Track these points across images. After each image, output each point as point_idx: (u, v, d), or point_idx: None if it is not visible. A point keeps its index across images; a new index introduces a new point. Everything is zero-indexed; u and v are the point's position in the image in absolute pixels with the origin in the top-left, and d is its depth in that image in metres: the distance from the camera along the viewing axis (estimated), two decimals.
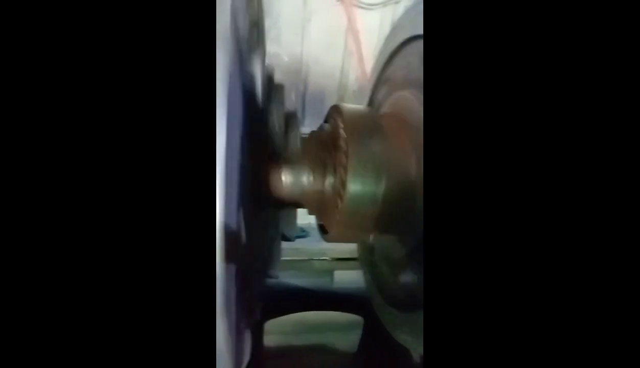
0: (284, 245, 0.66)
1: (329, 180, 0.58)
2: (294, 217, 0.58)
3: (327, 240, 0.63)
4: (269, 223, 0.56)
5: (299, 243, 1.19)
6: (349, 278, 1.08)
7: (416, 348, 0.65)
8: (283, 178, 0.56)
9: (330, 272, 1.13)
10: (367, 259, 0.82)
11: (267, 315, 1.00)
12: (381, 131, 0.59)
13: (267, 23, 0.67)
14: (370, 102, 0.79)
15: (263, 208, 0.54)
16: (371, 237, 0.66)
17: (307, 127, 0.66)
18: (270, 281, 0.66)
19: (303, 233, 1.33)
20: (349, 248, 1.09)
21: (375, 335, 0.93)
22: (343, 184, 0.55)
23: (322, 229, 0.65)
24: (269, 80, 0.60)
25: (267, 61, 0.65)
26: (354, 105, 0.67)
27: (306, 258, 1.16)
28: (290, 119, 0.59)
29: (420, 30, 0.59)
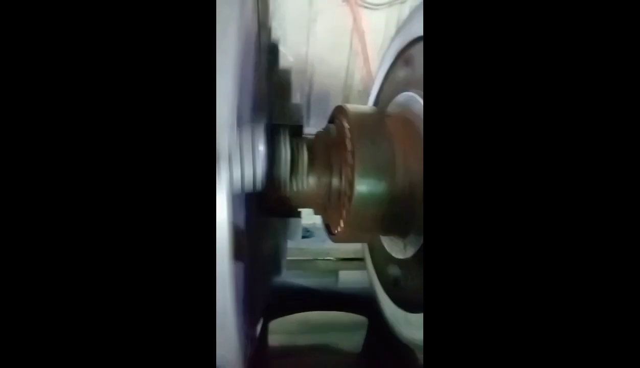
0: (289, 244, 0.67)
1: (336, 181, 0.58)
2: (299, 224, 0.58)
3: (334, 241, 0.63)
4: (274, 220, 0.56)
5: (303, 243, 1.19)
6: (354, 278, 1.08)
7: (421, 349, 0.65)
8: (291, 178, 0.56)
9: (335, 272, 1.12)
10: (373, 258, 0.82)
11: (271, 315, 1.00)
12: (386, 131, 0.59)
13: (273, 23, 0.67)
14: (376, 102, 0.79)
15: (269, 205, 0.54)
16: (378, 237, 0.66)
17: (312, 127, 0.67)
18: (275, 280, 0.66)
19: (307, 234, 1.33)
20: (353, 249, 1.09)
21: (379, 336, 0.93)
22: (350, 184, 0.55)
23: (329, 229, 0.65)
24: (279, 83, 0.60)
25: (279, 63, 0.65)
26: (359, 105, 0.67)
27: (311, 258, 1.16)
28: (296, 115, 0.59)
29: None
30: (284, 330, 1.06)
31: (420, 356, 0.93)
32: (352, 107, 0.62)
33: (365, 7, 1.69)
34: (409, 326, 0.63)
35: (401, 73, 0.71)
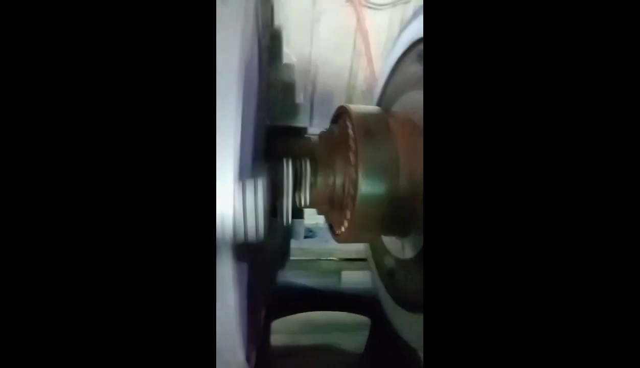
0: (292, 244, 0.67)
1: (339, 181, 0.58)
2: (301, 224, 0.58)
3: (338, 241, 0.63)
4: (278, 220, 0.56)
5: (306, 244, 1.19)
6: (357, 278, 1.08)
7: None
8: (295, 178, 0.56)
9: (337, 273, 1.12)
10: (376, 259, 0.82)
11: (274, 315, 1.00)
12: (390, 131, 0.59)
13: (276, 23, 0.67)
14: (380, 102, 0.79)
15: (273, 203, 0.54)
16: (380, 238, 0.66)
17: (316, 127, 0.67)
18: (278, 280, 0.66)
19: (310, 234, 1.33)
20: (356, 249, 1.09)
21: (382, 336, 0.93)
22: (354, 184, 0.56)
23: (333, 229, 0.65)
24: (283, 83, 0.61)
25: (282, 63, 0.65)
26: (362, 105, 0.67)
27: (313, 258, 1.16)
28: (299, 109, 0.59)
29: None
30: (286, 330, 1.06)
31: (422, 356, 0.93)
32: (355, 107, 0.62)
33: (369, 7, 1.69)
34: (411, 326, 0.63)
35: (405, 73, 0.70)
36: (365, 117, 0.60)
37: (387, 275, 0.76)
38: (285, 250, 0.63)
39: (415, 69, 0.66)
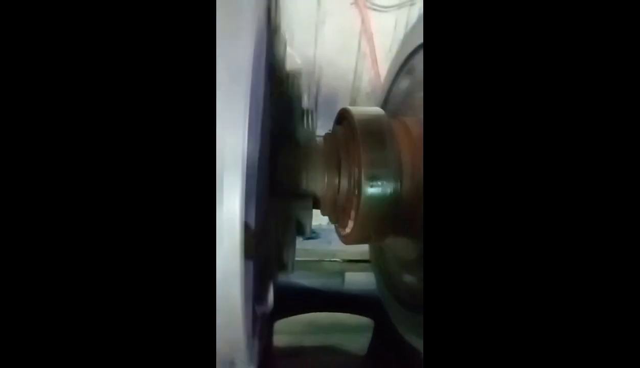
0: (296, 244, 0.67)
1: (344, 182, 0.58)
2: (310, 212, 0.59)
3: (345, 242, 0.63)
4: (284, 218, 0.56)
5: (309, 245, 1.20)
6: (360, 280, 1.08)
7: None
8: (301, 179, 0.57)
9: (341, 274, 1.12)
10: (379, 260, 0.82)
11: (277, 315, 1.00)
12: (393, 133, 0.59)
13: (282, 25, 0.68)
14: (385, 104, 0.79)
15: (279, 203, 0.55)
16: (385, 239, 0.66)
17: (320, 128, 0.67)
18: (281, 280, 0.66)
19: (313, 235, 1.33)
20: (359, 250, 1.09)
21: (385, 338, 0.93)
22: (358, 185, 0.56)
23: (339, 231, 0.65)
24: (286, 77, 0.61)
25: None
26: (366, 107, 0.67)
27: (317, 259, 1.16)
28: (307, 114, 0.60)
29: None
30: (289, 330, 1.07)
31: None
32: (359, 108, 0.63)
33: (374, 9, 1.69)
34: (415, 328, 0.63)
35: (410, 75, 0.71)
36: (367, 119, 0.61)
37: (390, 276, 0.76)
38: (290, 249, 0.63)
39: (420, 71, 0.66)
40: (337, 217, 0.62)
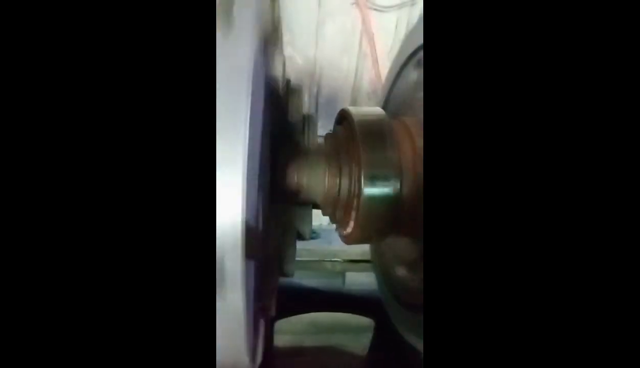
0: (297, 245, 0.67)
1: (345, 181, 0.58)
2: (310, 214, 0.59)
3: (346, 242, 0.64)
4: (284, 220, 0.56)
5: (310, 245, 1.20)
6: (361, 280, 1.08)
7: None
8: (301, 179, 0.57)
9: (342, 274, 1.12)
10: (380, 261, 0.82)
11: (278, 315, 1.00)
12: (394, 133, 0.59)
13: (283, 26, 0.68)
14: (386, 104, 0.79)
15: (280, 205, 0.55)
16: (386, 238, 0.66)
17: (321, 129, 0.67)
18: (282, 280, 0.66)
19: (314, 235, 1.33)
20: (361, 251, 1.09)
21: (386, 338, 0.93)
22: (358, 186, 0.56)
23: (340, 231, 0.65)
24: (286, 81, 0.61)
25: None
26: (366, 107, 0.67)
27: (318, 259, 1.16)
28: (307, 119, 0.60)
29: None
30: (290, 330, 1.07)
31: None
32: (359, 109, 0.63)
33: (375, 10, 1.69)
34: (415, 328, 0.63)
35: (411, 76, 0.71)
36: (367, 119, 0.61)
37: (391, 276, 0.76)
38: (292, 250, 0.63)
39: (421, 71, 0.66)
40: (338, 217, 0.62)
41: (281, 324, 1.03)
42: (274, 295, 0.59)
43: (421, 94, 0.64)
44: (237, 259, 0.35)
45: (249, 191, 0.35)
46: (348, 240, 0.62)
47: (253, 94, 0.35)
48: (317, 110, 1.81)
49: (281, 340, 1.04)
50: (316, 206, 0.62)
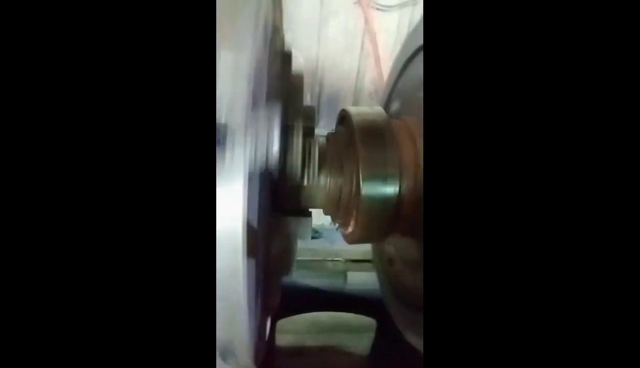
0: (298, 245, 0.67)
1: (347, 181, 0.58)
2: (309, 223, 0.59)
3: (348, 242, 0.64)
4: (285, 222, 0.56)
5: (312, 244, 1.20)
6: (362, 279, 1.08)
7: None
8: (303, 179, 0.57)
9: (343, 273, 1.13)
10: (382, 260, 0.82)
11: (280, 314, 1.01)
12: (393, 133, 0.59)
13: (285, 25, 0.68)
14: (387, 104, 0.79)
15: (281, 207, 0.55)
16: (387, 238, 0.66)
17: (322, 128, 0.67)
18: (284, 280, 0.66)
19: (316, 235, 1.33)
20: (362, 250, 1.09)
21: (388, 337, 0.93)
22: (358, 186, 0.56)
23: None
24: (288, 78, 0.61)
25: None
26: (367, 107, 0.67)
27: (320, 259, 1.17)
28: (309, 116, 0.60)
29: None
30: (292, 330, 1.07)
31: None
32: (357, 109, 0.63)
33: (377, 9, 1.69)
34: (416, 327, 0.63)
35: (412, 76, 0.71)
36: (366, 119, 0.61)
37: (392, 276, 0.76)
38: (292, 250, 0.63)
39: (422, 71, 0.66)
40: (339, 216, 0.63)
41: (283, 323, 1.03)
42: (277, 295, 0.59)
43: (422, 94, 0.64)
44: (238, 256, 0.35)
45: (250, 191, 0.35)
46: (349, 239, 0.62)
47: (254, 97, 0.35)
48: (319, 110, 1.81)
49: (283, 339, 1.05)
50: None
